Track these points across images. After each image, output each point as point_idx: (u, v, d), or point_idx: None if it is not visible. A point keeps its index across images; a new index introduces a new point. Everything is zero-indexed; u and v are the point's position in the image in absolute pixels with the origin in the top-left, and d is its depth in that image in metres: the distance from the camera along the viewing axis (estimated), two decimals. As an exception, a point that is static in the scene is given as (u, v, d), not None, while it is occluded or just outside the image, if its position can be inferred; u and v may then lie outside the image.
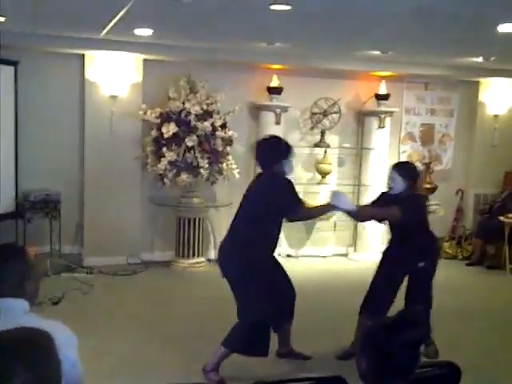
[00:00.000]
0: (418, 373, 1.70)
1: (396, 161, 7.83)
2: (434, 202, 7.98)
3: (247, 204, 4.00)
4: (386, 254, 4.49)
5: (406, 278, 4.37)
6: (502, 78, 7.91)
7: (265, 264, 3.95)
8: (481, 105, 8.19)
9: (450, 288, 6.56)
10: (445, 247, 8.01)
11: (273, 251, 4.09)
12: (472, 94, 8.17)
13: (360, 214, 4.34)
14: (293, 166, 4.09)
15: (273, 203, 3.83)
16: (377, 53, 6.50)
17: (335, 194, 4.07)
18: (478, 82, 8.10)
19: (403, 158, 8.09)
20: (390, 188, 4.27)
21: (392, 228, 4.42)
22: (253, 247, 3.86)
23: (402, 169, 4.27)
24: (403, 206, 4.03)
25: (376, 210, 4.26)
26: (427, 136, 8.21)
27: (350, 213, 4.17)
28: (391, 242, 4.46)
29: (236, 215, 4.06)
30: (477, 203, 8.25)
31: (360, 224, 7.58)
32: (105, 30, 5.53)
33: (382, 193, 4.47)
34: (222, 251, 4.06)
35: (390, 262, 4.37)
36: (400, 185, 4.19)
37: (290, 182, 3.96)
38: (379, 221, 4.55)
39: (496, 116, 8.17)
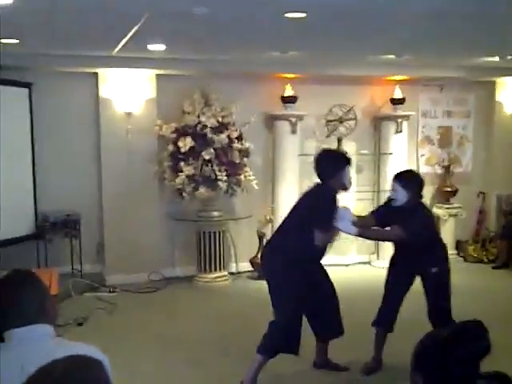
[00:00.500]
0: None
1: (415, 165, 7.89)
2: (455, 204, 7.88)
3: (296, 210, 4.06)
4: (393, 261, 4.35)
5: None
6: (519, 77, 7.80)
7: (305, 269, 3.92)
8: (498, 104, 8.08)
9: (478, 292, 6.44)
10: (469, 251, 7.88)
11: (319, 258, 4.10)
12: (489, 94, 8.07)
13: (363, 236, 4.19)
14: (351, 178, 4.05)
15: (315, 213, 3.87)
16: (391, 57, 6.44)
17: (341, 213, 3.92)
18: (495, 81, 7.99)
19: (422, 162, 8.02)
20: (393, 200, 4.14)
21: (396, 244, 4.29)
22: (296, 252, 3.89)
23: (404, 179, 4.13)
24: (406, 223, 3.90)
25: (378, 232, 4.24)
26: (445, 138, 8.11)
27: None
28: (398, 250, 4.31)
29: (285, 219, 4.11)
30: (499, 204, 8.11)
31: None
32: (117, 48, 5.52)
33: (387, 201, 4.31)
34: (269, 249, 4.13)
35: (397, 269, 4.26)
36: (402, 195, 4.06)
37: (335, 199, 3.89)
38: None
39: (514, 115, 8.06)
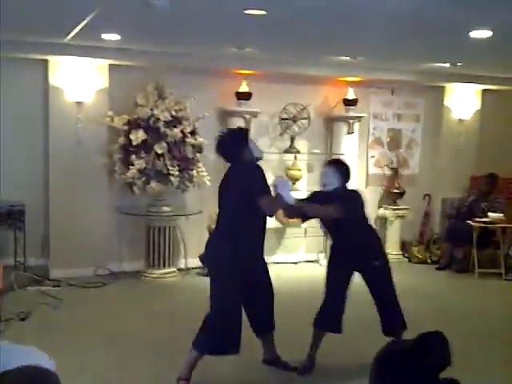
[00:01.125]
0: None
1: (364, 166, 8.01)
2: (402, 206, 8.05)
3: (226, 197, 3.94)
4: (332, 261, 4.36)
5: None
6: (467, 84, 8.02)
7: (246, 259, 3.86)
8: (446, 109, 8.29)
9: (421, 292, 6.60)
10: (414, 252, 8.07)
11: (258, 246, 3.99)
12: (437, 99, 8.26)
13: (294, 210, 4.07)
14: (258, 148, 4.07)
15: (248, 189, 3.76)
16: (345, 58, 6.51)
17: (280, 182, 3.92)
18: (444, 87, 8.19)
19: (371, 163, 8.15)
20: (324, 185, 4.24)
21: (333, 231, 4.33)
22: (237, 239, 3.82)
23: (335, 164, 4.32)
24: (341, 202, 3.96)
25: (313, 206, 4.09)
26: (394, 141, 8.27)
27: (286, 206, 3.95)
28: (335, 247, 4.36)
29: (219, 212, 4.00)
30: (444, 207, 8.34)
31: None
32: (70, 35, 5.37)
33: (314, 192, 4.44)
34: (209, 244, 4.04)
35: (338, 268, 4.26)
36: (334, 180, 4.16)
37: (260, 168, 3.86)
38: (306, 219, 4.40)
39: (461, 120, 8.29)
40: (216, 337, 3.81)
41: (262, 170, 3.86)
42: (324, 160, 7.62)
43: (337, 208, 3.91)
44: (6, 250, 6.31)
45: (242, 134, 4.08)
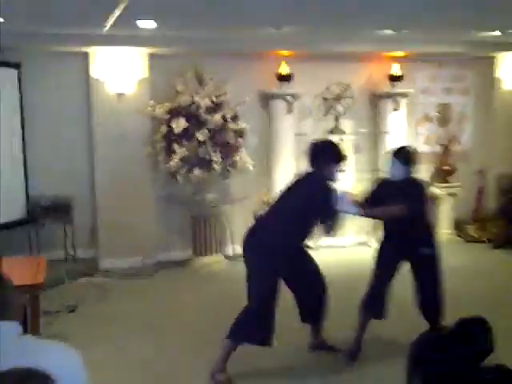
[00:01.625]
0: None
1: (413, 143, 7.74)
2: (454, 183, 7.75)
3: (285, 198, 4.03)
4: (382, 248, 4.30)
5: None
6: (519, 52, 7.63)
7: (285, 255, 3.89)
8: (498, 81, 7.91)
9: (475, 272, 6.36)
10: (468, 230, 7.78)
11: (299, 243, 4.07)
12: (488, 70, 7.89)
13: (367, 215, 4.22)
14: (337, 174, 4.04)
15: (309, 204, 3.83)
16: (388, 32, 6.26)
17: (340, 197, 3.92)
18: (494, 57, 7.81)
19: (420, 141, 7.87)
20: (392, 176, 4.22)
21: (390, 222, 4.25)
22: (278, 239, 3.84)
23: (403, 154, 4.23)
24: (406, 195, 3.98)
25: (383, 210, 4.09)
26: (444, 116, 7.96)
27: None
28: (387, 234, 4.30)
29: (274, 204, 4.10)
30: (499, 183, 7.98)
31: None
32: (107, 24, 5.33)
33: (381, 181, 4.40)
34: (251, 233, 4.02)
35: (388, 251, 4.22)
36: (401, 171, 4.15)
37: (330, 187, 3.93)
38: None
39: (514, 92, 7.90)
40: (250, 327, 3.83)
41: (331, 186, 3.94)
42: (371, 139, 7.50)
43: (401, 209, 3.92)
44: (55, 243, 6.38)
45: (337, 152, 4.07)
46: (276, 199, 4.13)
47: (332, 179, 3.98)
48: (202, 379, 3.90)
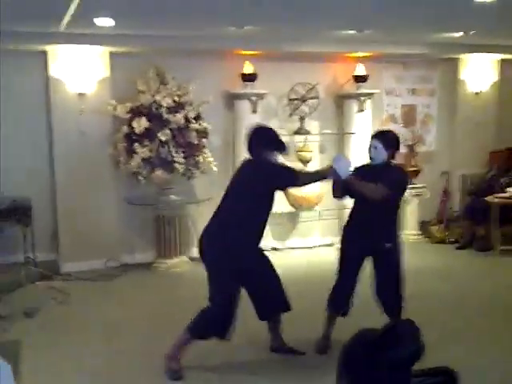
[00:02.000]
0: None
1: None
2: (419, 184, 7.78)
3: (235, 187, 3.95)
4: (346, 235, 4.23)
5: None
6: (483, 54, 7.69)
7: (246, 250, 3.87)
8: (461, 82, 7.97)
9: (441, 273, 6.37)
10: (433, 231, 7.81)
11: (259, 238, 3.95)
12: (452, 71, 7.95)
13: (346, 186, 3.98)
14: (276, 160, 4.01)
15: (264, 179, 3.80)
16: (353, 32, 6.25)
17: (338, 157, 3.97)
18: (458, 58, 7.87)
19: (386, 141, 7.87)
20: (371, 158, 4.06)
21: (356, 205, 4.17)
22: (238, 229, 3.79)
23: (385, 137, 4.06)
24: (388, 179, 3.84)
25: (368, 186, 3.88)
26: (409, 117, 7.99)
27: (339, 182, 3.94)
28: (353, 218, 4.20)
29: (222, 200, 3.98)
30: (463, 184, 8.05)
31: (345, 212, 7.37)
32: (63, 22, 5.21)
33: (360, 166, 4.23)
34: (206, 234, 3.96)
35: (351, 245, 4.15)
36: (382, 154, 3.99)
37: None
38: (353, 195, 4.18)
39: (478, 93, 7.97)
40: (209, 324, 3.84)
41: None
42: (336, 140, 7.48)
43: (381, 189, 3.78)
44: (15, 246, 6.24)
45: (277, 140, 4.01)
46: (224, 194, 4.00)
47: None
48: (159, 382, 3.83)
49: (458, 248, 7.40)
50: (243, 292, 3.97)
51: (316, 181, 4.20)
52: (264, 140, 3.95)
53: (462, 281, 6.14)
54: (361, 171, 4.09)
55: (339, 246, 4.29)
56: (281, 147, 3.98)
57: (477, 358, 4.08)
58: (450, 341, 4.35)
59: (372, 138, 4.11)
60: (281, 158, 4.15)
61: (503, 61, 7.93)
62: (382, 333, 1.39)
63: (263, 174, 3.82)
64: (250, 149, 3.95)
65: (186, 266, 6.67)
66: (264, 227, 3.95)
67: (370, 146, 4.05)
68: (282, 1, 4.54)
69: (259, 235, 3.94)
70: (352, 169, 4.02)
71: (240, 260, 3.81)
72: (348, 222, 4.25)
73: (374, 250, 4.10)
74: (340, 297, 4.20)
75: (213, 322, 3.84)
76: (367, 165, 4.17)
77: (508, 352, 4.24)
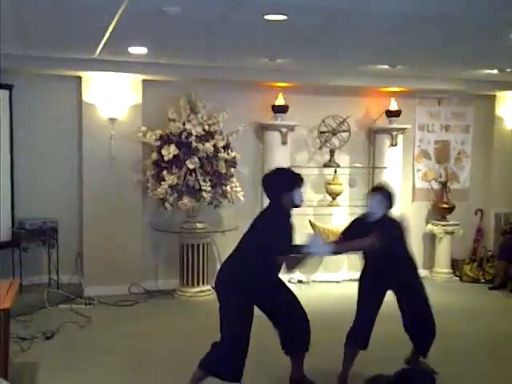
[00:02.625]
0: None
1: (410, 179, 7.63)
2: (451, 222, 7.60)
3: (249, 235, 3.91)
4: (364, 279, 4.30)
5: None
6: (519, 91, 7.55)
7: (262, 285, 3.81)
8: (498, 119, 7.83)
9: (473, 314, 6.15)
10: (466, 270, 7.60)
11: (275, 272, 3.92)
12: (488, 108, 7.82)
13: (338, 252, 4.15)
14: (302, 197, 3.88)
15: (258, 237, 3.78)
16: (385, 67, 6.21)
17: (312, 239, 3.85)
18: (495, 95, 7.74)
19: (418, 177, 7.76)
20: (370, 214, 4.16)
21: (367, 257, 4.24)
22: (253, 263, 3.76)
23: (383, 193, 4.20)
24: (381, 231, 3.90)
25: (353, 243, 4.03)
26: (442, 153, 7.85)
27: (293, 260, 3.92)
28: (368, 269, 4.27)
29: (243, 236, 3.96)
30: (498, 223, 7.82)
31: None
32: (98, 50, 5.31)
33: (355, 220, 4.35)
34: (222, 272, 3.94)
35: (369, 285, 4.21)
36: (379, 209, 4.12)
37: (286, 223, 3.81)
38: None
39: (514, 130, 7.80)
40: (221, 361, 3.76)
41: (285, 220, 3.81)
42: (366, 174, 7.39)
43: (371, 240, 3.85)
44: (39, 267, 6.28)
45: (291, 178, 3.88)
46: (247, 230, 3.98)
47: (293, 206, 3.82)
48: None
49: (491, 288, 7.17)
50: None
51: (301, 258, 3.95)
52: (276, 183, 3.85)
53: (495, 323, 5.90)
54: (357, 224, 4.24)
55: (358, 283, 4.32)
56: (293, 184, 3.83)
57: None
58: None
59: (372, 192, 4.31)
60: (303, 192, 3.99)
61: (540, 98, 7.76)
62: (395, 378, 1.31)
63: (258, 232, 3.79)
64: (267, 195, 3.91)
65: (209, 295, 6.59)
66: (273, 268, 3.88)
67: (369, 202, 4.21)
68: (309, 34, 4.53)
69: (275, 269, 3.89)
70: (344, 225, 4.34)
71: (256, 294, 3.78)
72: (366, 263, 4.29)
73: (395, 285, 4.17)
74: (360, 332, 4.18)
75: (224, 358, 3.76)
76: (361, 218, 4.28)
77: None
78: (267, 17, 3.88)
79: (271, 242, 3.69)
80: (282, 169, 4.15)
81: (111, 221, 6.48)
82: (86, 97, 6.40)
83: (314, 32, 4.45)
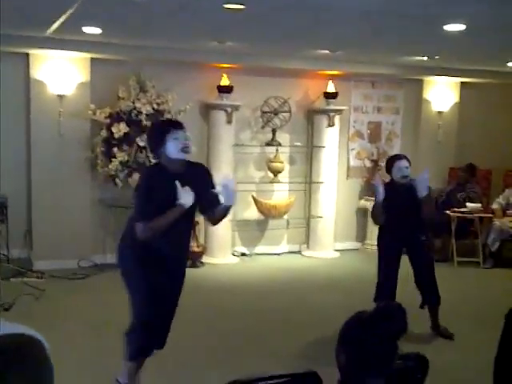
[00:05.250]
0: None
1: (345, 158, 8.12)
2: (382, 197, 8.16)
3: None
4: (382, 240, 4.81)
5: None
6: (445, 77, 8.16)
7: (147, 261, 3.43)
8: (425, 102, 8.42)
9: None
10: (394, 242, 8.19)
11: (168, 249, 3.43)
12: (417, 91, 8.39)
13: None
14: (178, 145, 3.30)
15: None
16: (325, 52, 6.60)
17: (226, 186, 3.35)
18: (422, 80, 8.32)
19: (352, 156, 8.26)
20: (405, 176, 4.66)
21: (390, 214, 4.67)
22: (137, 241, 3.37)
23: (406, 158, 4.85)
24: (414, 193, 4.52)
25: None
26: (375, 133, 8.38)
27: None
28: (387, 226, 4.73)
29: None
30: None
31: (312, 221, 7.73)
32: (51, 29, 5.40)
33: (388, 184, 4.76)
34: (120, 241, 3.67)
35: (390, 238, 4.73)
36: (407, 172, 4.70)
37: (147, 177, 3.44)
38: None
39: (440, 113, 8.43)
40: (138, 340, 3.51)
41: (148, 176, 3.46)
42: (305, 152, 7.81)
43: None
44: (-12, 242, 6.35)
45: (158, 127, 3.54)
46: None
47: (173, 154, 3.28)
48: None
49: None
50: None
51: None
52: (148, 139, 3.62)
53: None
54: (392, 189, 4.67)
55: (376, 246, 4.89)
56: (165, 132, 3.32)
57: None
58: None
59: (401, 159, 4.77)
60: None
61: (463, 84, 8.42)
62: (373, 311, 1.68)
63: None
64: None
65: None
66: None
67: (402, 166, 4.67)
68: (262, 21, 4.84)
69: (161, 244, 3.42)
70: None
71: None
72: (383, 226, 4.80)
73: (411, 242, 4.73)
74: (386, 291, 4.65)
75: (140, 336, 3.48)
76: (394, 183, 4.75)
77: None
78: (226, 5, 4.15)
79: (135, 205, 3.35)
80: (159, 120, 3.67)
81: (60, 197, 6.59)
82: (34, 74, 6.44)
83: (265, 19, 4.77)
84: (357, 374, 1.67)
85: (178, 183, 3.23)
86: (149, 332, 3.49)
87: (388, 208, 4.55)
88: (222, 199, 3.36)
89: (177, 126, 3.41)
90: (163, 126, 3.49)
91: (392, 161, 4.80)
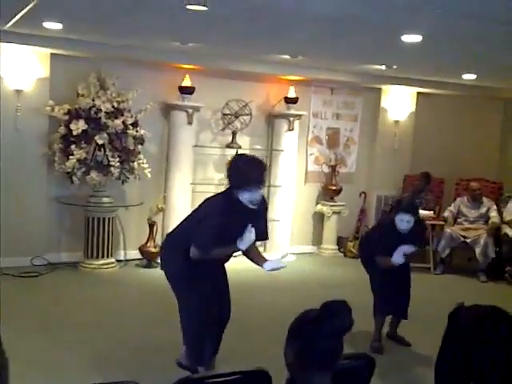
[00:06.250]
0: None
1: (304, 162, 8.22)
2: (339, 203, 8.31)
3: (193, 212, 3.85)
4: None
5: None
6: (402, 86, 8.36)
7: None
8: (382, 110, 8.61)
9: (351, 285, 6.83)
10: (349, 247, 8.34)
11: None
12: (375, 100, 8.56)
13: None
14: (251, 199, 3.48)
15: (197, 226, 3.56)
16: (286, 57, 6.69)
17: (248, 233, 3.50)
18: (381, 88, 8.50)
19: (310, 161, 8.37)
20: (402, 229, 4.61)
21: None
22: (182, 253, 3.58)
23: (416, 210, 4.82)
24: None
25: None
26: (333, 139, 8.52)
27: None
28: None
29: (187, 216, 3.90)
30: (379, 205, 8.65)
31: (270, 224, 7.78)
32: (10, 23, 5.31)
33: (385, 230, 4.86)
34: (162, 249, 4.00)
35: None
36: (410, 226, 4.61)
37: (221, 213, 3.50)
38: None
39: (397, 121, 8.63)
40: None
41: (225, 215, 3.49)
42: (265, 156, 7.88)
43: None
44: None
45: (247, 173, 3.52)
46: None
47: (246, 202, 3.45)
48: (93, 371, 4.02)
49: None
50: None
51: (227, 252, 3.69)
52: (232, 173, 3.60)
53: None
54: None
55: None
56: (250, 180, 3.44)
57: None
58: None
59: (406, 213, 4.58)
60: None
61: (420, 94, 8.64)
62: (320, 309, 1.74)
63: (191, 219, 3.67)
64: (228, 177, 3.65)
65: (113, 267, 6.83)
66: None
67: (404, 220, 4.55)
68: (224, 23, 4.89)
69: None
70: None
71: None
72: None
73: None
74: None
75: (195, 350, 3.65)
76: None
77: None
78: (189, 6, 4.17)
79: (199, 232, 3.46)
80: (252, 159, 3.67)
81: (14, 193, 6.48)
82: (-9, 67, 6.33)
83: (228, 22, 4.82)
84: (303, 368, 1.72)
85: (251, 229, 3.44)
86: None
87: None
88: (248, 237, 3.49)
89: (260, 180, 3.52)
90: (251, 176, 3.49)
91: (397, 209, 4.83)
